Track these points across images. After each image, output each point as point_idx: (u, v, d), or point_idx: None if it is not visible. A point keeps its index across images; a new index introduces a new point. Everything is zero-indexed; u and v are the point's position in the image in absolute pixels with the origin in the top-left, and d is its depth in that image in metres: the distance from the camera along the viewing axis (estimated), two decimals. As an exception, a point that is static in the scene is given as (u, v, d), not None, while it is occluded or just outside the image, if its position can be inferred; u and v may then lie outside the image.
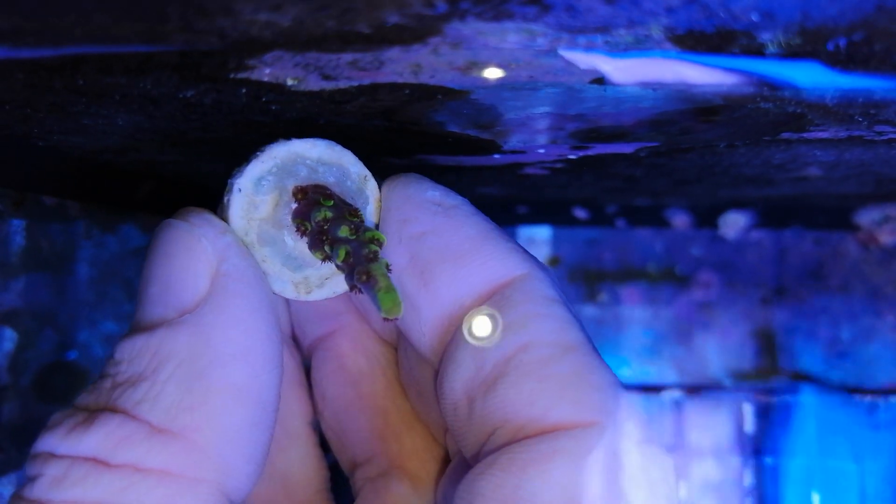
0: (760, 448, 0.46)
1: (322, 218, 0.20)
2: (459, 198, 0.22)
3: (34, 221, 0.31)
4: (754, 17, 0.15)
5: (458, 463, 0.23)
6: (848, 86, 0.19)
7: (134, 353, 0.19)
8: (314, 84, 0.19)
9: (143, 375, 0.19)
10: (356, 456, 0.26)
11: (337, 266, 0.21)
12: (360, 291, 0.20)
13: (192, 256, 0.20)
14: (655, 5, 0.15)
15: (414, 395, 0.26)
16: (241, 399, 0.19)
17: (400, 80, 0.19)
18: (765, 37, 0.16)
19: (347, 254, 0.20)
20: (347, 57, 0.17)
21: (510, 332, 0.20)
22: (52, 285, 0.32)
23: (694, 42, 0.16)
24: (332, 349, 0.26)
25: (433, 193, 0.22)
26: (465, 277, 0.21)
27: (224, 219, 0.21)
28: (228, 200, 0.21)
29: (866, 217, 0.44)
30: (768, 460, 0.46)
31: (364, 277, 0.19)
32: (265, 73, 0.18)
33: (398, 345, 0.26)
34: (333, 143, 0.21)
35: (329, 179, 0.21)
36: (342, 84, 0.19)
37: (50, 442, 0.19)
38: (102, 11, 0.15)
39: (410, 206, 0.21)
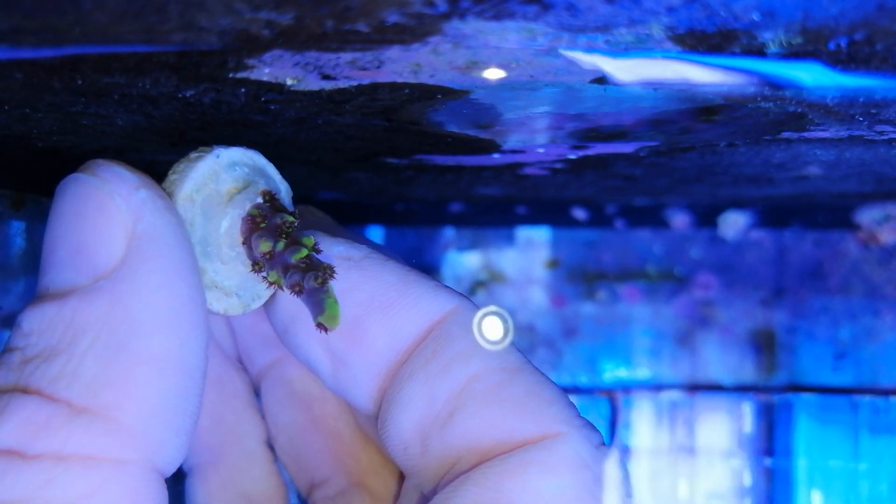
0: (760, 448, 0.46)
1: (290, 220, 0.21)
2: (365, 247, 0.22)
3: (34, 223, 0.31)
4: (755, 17, 0.15)
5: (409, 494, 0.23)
6: (849, 85, 0.19)
7: (45, 323, 0.18)
8: (314, 83, 0.19)
9: (56, 349, 0.17)
10: (314, 477, 0.27)
11: (277, 265, 0.21)
12: (300, 293, 0.20)
13: (104, 216, 0.18)
14: (656, 4, 0.15)
15: (369, 430, 0.26)
16: (166, 370, 0.18)
17: (399, 80, 0.19)
18: (766, 36, 0.16)
19: (308, 256, 0.20)
20: (347, 56, 0.17)
21: (456, 364, 0.20)
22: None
23: (695, 41, 0.16)
24: (281, 376, 0.27)
25: (338, 248, 0.21)
26: (399, 324, 0.21)
27: (178, 171, 0.21)
28: (201, 156, 0.21)
29: (867, 216, 0.44)
30: (768, 461, 0.46)
31: (320, 281, 0.20)
32: (264, 73, 0.18)
33: None
34: (291, 193, 0.22)
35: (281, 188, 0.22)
36: (342, 83, 0.19)
37: None
38: (101, 11, 0.15)
39: None
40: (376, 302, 0.21)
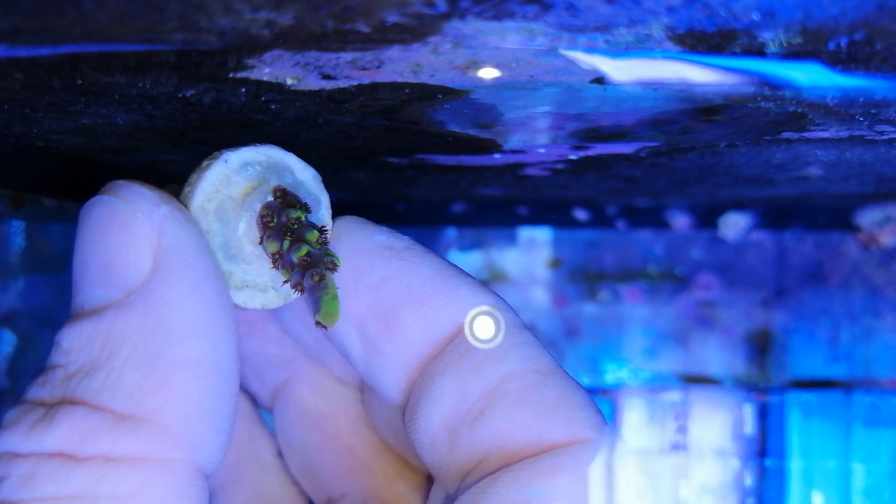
0: (761, 449, 0.46)
1: (295, 217, 0.21)
2: (406, 238, 0.22)
3: (33, 222, 0.31)
4: (755, 17, 0.15)
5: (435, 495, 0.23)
6: (849, 85, 0.19)
7: (83, 339, 0.19)
8: (314, 83, 0.19)
9: (97, 363, 0.19)
10: (331, 494, 0.27)
11: (285, 264, 0.21)
12: (302, 291, 0.20)
13: (130, 233, 0.19)
14: (656, 4, 0.15)
15: (388, 433, 0.26)
16: (201, 373, 0.19)
17: (400, 80, 0.19)
18: (766, 36, 0.16)
19: (308, 253, 0.20)
20: (347, 56, 0.17)
21: (490, 363, 0.20)
22: (52, 287, 0.32)
23: (695, 41, 0.16)
24: (291, 396, 0.27)
25: (381, 238, 0.22)
26: (434, 317, 0.21)
27: (191, 182, 0.21)
28: (210, 164, 0.21)
29: (867, 217, 0.44)
30: (768, 461, 0.46)
31: (317, 278, 0.20)
32: (265, 73, 0.18)
33: (363, 387, 0.27)
34: (319, 177, 0.22)
35: (303, 199, 0.22)
36: (342, 83, 0.19)
37: (11, 441, 0.18)
38: (101, 11, 0.15)
39: (362, 255, 0.21)
40: (413, 293, 0.21)
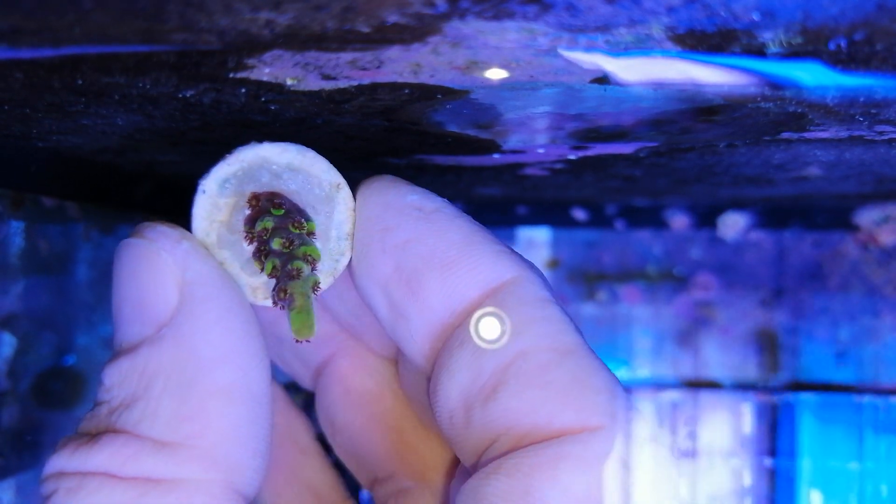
0: (761, 449, 0.46)
1: (262, 228, 0.20)
2: (440, 200, 0.21)
3: (33, 223, 0.31)
4: (755, 17, 0.15)
5: (461, 470, 0.23)
6: (849, 85, 0.19)
7: (122, 376, 0.20)
8: (314, 83, 0.19)
9: (136, 396, 0.20)
10: (376, 474, 0.26)
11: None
12: (282, 308, 0.20)
13: (156, 271, 0.20)
14: (656, 4, 0.15)
15: (419, 408, 0.26)
16: (234, 398, 0.20)
17: (400, 80, 0.19)
18: (766, 36, 0.16)
19: (274, 268, 0.20)
20: (347, 56, 0.17)
21: (506, 337, 0.19)
22: (51, 288, 0.32)
23: (695, 41, 0.16)
24: (335, 373, 0.26)
25: (413, 198, 0.21)
26: (455, 284, 0.20)
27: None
28: (194, 201, 0.21)
29: (866, 217, 0.44)
30: (768, 461, 0.46)
31: (282, 294, 0.20)
32: (264, 73, 0.18)
33: (398, 359, 0.26)
34: (306, 149, 0.21)
35: (291, 187, 0.21)
36: (342, 83, 0.19)
37: (58, 463, 0.19)
38: (101, 11, 0.15)
39: (391, 214, 0.21)
40: (437, 258, 0.20)
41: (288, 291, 0.20)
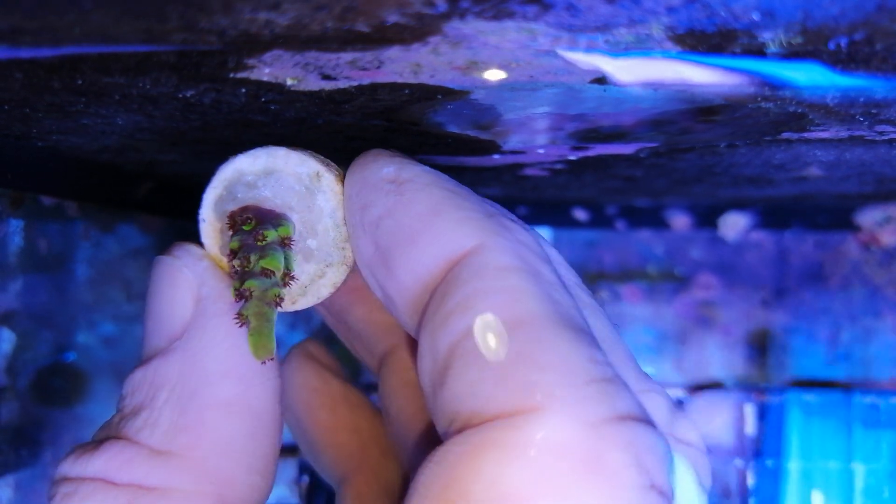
0: (761, 449, 0.46)
1: (229, 251, 0.21)
2: (416, 168, 0.20)
3: (32, 221, 0.31)
4: (755, 17, 0.15)
5: None
6: (849, 85, 0.19)
7: (135, 386, 0.21)
8: (314, 84, 0.19)
9: (142, 405, 0.20)
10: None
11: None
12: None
13: (176, 285, 0.21)
14: (656, 4, 0.14)
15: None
16: (231, 413, 0.20)
17: (400, 80, 0.19)
18: (766, 36, 0.16)
19: (235, 290, 0.20)
20: (347, 56, 0.17)
21: (455, 315, 0.17)
22: (51, 286, 0.32)
23: (695, 41, 0.16)
24: (395, 363, 0.26)
25: (387, 170, 0.20)
26: (418, 258, 0.19)
27: None
28: (199, 231, 0.21)
29: (867, 217, 0.44)
30: (769, 461, 0.46)
31: (242, 318, 0.20)
32: (265, 73, 0.18)
33: None
34: (277, 148, 0.21)
35: (265, 193, 0.21)
36: (342, 84, 0.19)
37: (63, 468, 0.20)
38: (101, 11, 0.15)
39: (367, 190, 0.20)
40: (403, 233, 0.19)
41: (241, 315, 0.20)
